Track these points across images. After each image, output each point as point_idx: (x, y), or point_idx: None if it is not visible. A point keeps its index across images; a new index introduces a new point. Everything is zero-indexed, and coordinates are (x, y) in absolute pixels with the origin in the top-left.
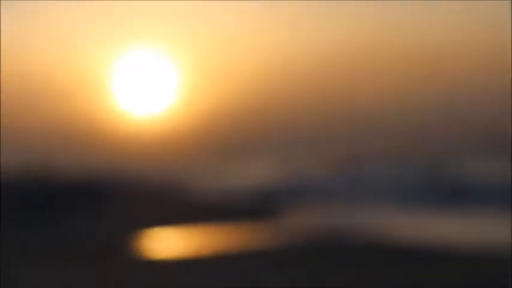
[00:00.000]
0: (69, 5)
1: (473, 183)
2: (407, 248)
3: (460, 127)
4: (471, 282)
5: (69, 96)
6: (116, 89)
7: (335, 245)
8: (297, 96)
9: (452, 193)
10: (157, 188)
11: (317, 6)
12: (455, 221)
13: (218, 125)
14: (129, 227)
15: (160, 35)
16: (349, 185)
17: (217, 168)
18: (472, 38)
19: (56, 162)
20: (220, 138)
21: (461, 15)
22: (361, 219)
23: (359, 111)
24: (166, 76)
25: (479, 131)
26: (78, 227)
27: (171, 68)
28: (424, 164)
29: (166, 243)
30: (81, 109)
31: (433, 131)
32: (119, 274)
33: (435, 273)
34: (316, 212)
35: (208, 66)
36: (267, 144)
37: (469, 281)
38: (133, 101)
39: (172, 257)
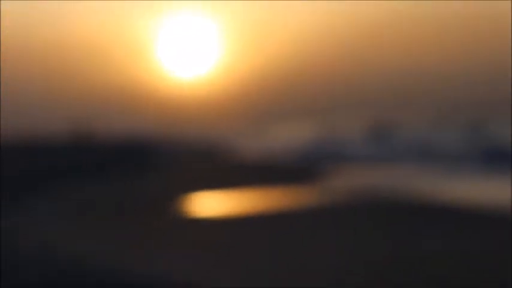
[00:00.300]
0: None
1: (506, 146)
2: (443, 207)
3: (490, 95)
4: (504, 240)
5: (114, 60)
6: (161, 53)
7: (375, 204)
8: (337, 63)
9: (486, 155)
10: (201, 150)
11: None
12: (488, 182)
13: (260, 89)
14: (174, 188)
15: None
16: (387, 147)
17: (260, 131)
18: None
19: (103, 125)
20: (262, 102)
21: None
22: (398, 180)
23: (397, 78)
24: (210, 40)
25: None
26: (125, 188)
27: (216, 32)
28: (459, 128)
29: (211, 203)
30: (126, 73)
31: (467, 98)
32: (166, 232)
33: (471, 231)
34: (356, 173)
35: (252, 31)
36: (307, 109)
37: (502, 239)
38: (178, 64)
39: (217, 216)
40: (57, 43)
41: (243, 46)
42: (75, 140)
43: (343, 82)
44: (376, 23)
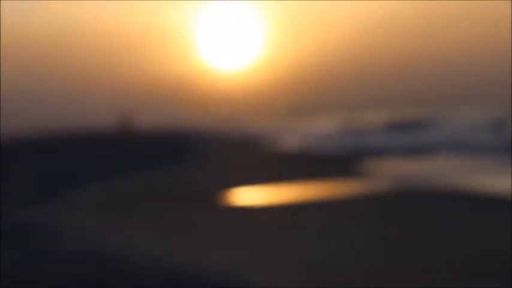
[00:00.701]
0: None
1: None
2: (475, 195)
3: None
4: None
5: (156, 52)
6: (202, 45)
7: (410, 193)
8: (368, 62)
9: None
10: (242, 140)
11: None
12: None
13: (298, 82)
14: (216, 178)
15: None
16: (417, 140)
17: (297, 122)
18: None
19: (146, 117)
20: (299, 95)
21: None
22: (429, 171)
23: (427, 73)
24: (252, 32)
25: None
26: (166, 179)
27: (258, 23)
28: (488, 121)
29: (253, 193)
30: (168, 65)
31: (494, 91)
32: (208, 222)
33: (499, 219)
34: (390, 164)
35: (294, 25)
36: (340, 103)
37: None
38: (219, 56)
39: (260, 206)
40: (100, 36)
41: (282, 42)
42: (119, 131)
43: (374, 79)
44: (396, 27)
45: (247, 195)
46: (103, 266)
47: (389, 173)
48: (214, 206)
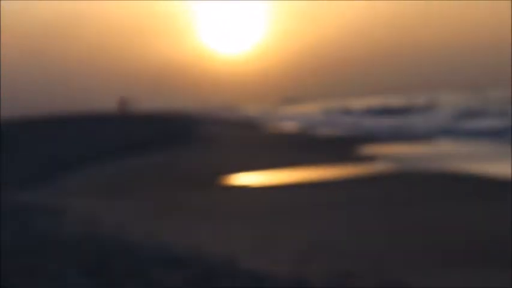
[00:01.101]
0: None
1: None
2: (469, 178)
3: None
4: None
5: (157, 37)
6: (202, 30)
7: (407, 175)
8: (364, 53)
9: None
10: (238, 124)
11: None
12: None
13: (297, 70)
14: (212, 160)
15: None
16: (413, 125)
17: (291, 107)
18: None
19: (147, 101)
20: (297, 81)
21: None
22: (425, 154)
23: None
24: (253, 20)
25: None
26: (168, 161)
27: (260, 11)
28: (482, 107)
29: (252, 174)
30: (169, 49)
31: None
32: (208, 203)
33: (493, 200)
34: (386, 148)
35: (295, 15)
36: (335, 90)
37: None
38: (220, 41)
39: (259, 186)
40: (102, 23)
41: (283, 31)
42: (118, 114)
43: (371, 66)
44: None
45: (246, 177)
46: (102, 248)
47: (386, 155)
48: (214, 187)
